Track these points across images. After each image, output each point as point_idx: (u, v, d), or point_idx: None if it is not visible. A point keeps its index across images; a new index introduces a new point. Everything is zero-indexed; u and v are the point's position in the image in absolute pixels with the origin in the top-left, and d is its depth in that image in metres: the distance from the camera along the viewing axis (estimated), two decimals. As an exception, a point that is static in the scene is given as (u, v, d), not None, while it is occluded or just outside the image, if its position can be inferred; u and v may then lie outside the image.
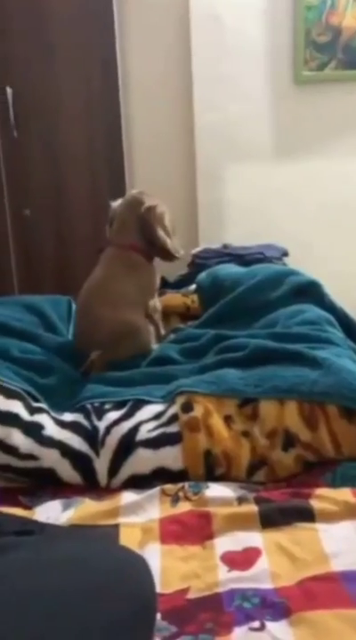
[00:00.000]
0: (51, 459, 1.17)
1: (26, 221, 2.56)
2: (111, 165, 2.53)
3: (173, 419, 1.20)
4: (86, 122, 2.51)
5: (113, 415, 1.22)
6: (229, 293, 1.67)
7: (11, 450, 1.17)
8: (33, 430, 1.20)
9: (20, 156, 2.52)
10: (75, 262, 2.52)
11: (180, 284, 2.14)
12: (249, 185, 2.56)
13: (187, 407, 1.20)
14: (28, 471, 1.17)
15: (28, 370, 1.38)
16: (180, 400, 1.22)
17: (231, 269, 1.87)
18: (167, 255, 1.58)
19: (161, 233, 1.54)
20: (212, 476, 1.14)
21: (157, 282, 1.64)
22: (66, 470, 1.16)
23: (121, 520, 1.02)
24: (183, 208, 2.51)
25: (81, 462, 1.17)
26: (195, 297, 1.87)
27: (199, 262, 2.24)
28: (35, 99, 2.47)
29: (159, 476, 1.14)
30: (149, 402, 1.26)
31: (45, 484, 1.17)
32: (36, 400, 1.30)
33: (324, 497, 1.02)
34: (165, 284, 2.11)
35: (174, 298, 1.91)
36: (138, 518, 1.03)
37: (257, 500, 1.03)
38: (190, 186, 2.57)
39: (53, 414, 1.26)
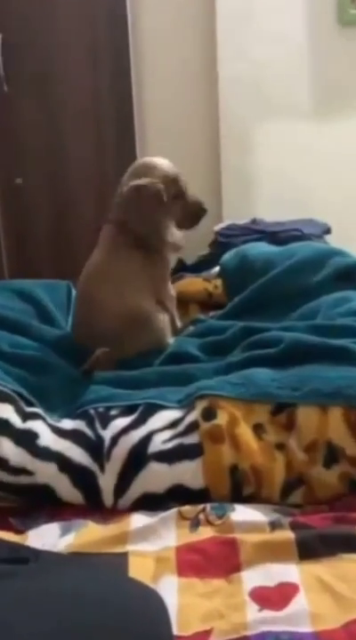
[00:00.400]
0: (47, 473, 1.17)
1: (17, 192, 2.56)
2: (119, 125, 2.52)
3: (193, 427, 1.19)
4: (90, 73, 2.52)
5: (121, 422, 1.22)
6: (260, 277, 1.67)
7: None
8: (26, 439, 1.20)
9: (10, 114, 2.52)
10: (76, 241, 2.52)
11: (200, 266, 2.13)
12: (284, 148, 2.53)
13: (209, 414, 1.20)
14: (20, 488, 1.17)
15: (20, 367, 1.38)
16: (200, 405, 1.22)
17: (263, 248, 1.86)
18: (154, 248, 1.56)
19: (149, 219, 1.52)
20: (239, 495, 1.14)
21: (170, 264, 1.64)
22: (65, 487, 1.16)
23: (130, 548, 1.02)
24: (204, 176, 2.50)
25: (83, 478, 1.16)
26: (218, 282, 1.87)
27: (223, 241, 2.24)
28: (29, 46, 2.48)
29: (176, 496, 1.14)
30: (163, 407, 1.25)
31: (41, 504, 1.16)
32: (30, 404, 1.30)
33: (375, 523, 1.01)
34: (183, 268, 2.11)
35: (194, 283, 1.89)
36: (150, 546, 1.03)
37: (293, 526, 1.03)
38: (213, 150, 2.55)
39: (50, 421, 1.25)
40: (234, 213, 2.49)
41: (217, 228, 2.35)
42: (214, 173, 2.55)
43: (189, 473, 1.15)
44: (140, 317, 1.51)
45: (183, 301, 1.77)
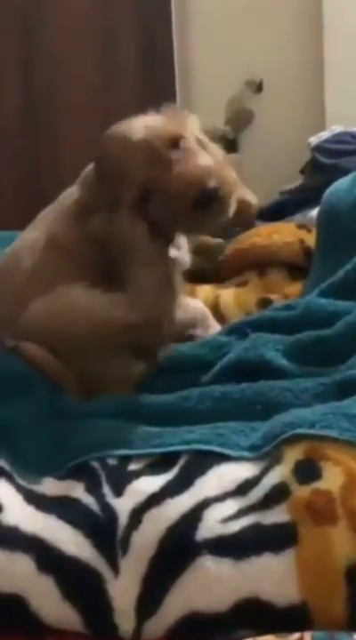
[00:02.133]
0: (16, 575, 1.12)
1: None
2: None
3: (279, 495, 1.12)
4: None
5: (148, 485, 1.17)
6: None
7: None
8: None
9: None
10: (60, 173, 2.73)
11: (285, 207, 2.17)
12: None
13: (308, 471, 1.14)
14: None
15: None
16: (292, 454, 1.16)
17: None
18: None
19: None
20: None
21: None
22: (48, 600, 1.11)
23: None
24: (296, 53, 2.52)
25: (80, 584, 1.11)
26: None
27: (327, 162, 2.24)
28: None
29: (248, 618, 1.07)
30: (223, 457, 1.21)
31: (6, 628, 1.12)
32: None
33: None
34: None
35: (281, 230, 1.93)
36: None
37: None
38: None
39: (21, 481, 1.23)
40: (346, 116, 2.48)
41: (315, 140, 2.32)
42: (314, 47, 2.57)
43: (271, 577, 1.07)
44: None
45: (258, 264, 1.81)
